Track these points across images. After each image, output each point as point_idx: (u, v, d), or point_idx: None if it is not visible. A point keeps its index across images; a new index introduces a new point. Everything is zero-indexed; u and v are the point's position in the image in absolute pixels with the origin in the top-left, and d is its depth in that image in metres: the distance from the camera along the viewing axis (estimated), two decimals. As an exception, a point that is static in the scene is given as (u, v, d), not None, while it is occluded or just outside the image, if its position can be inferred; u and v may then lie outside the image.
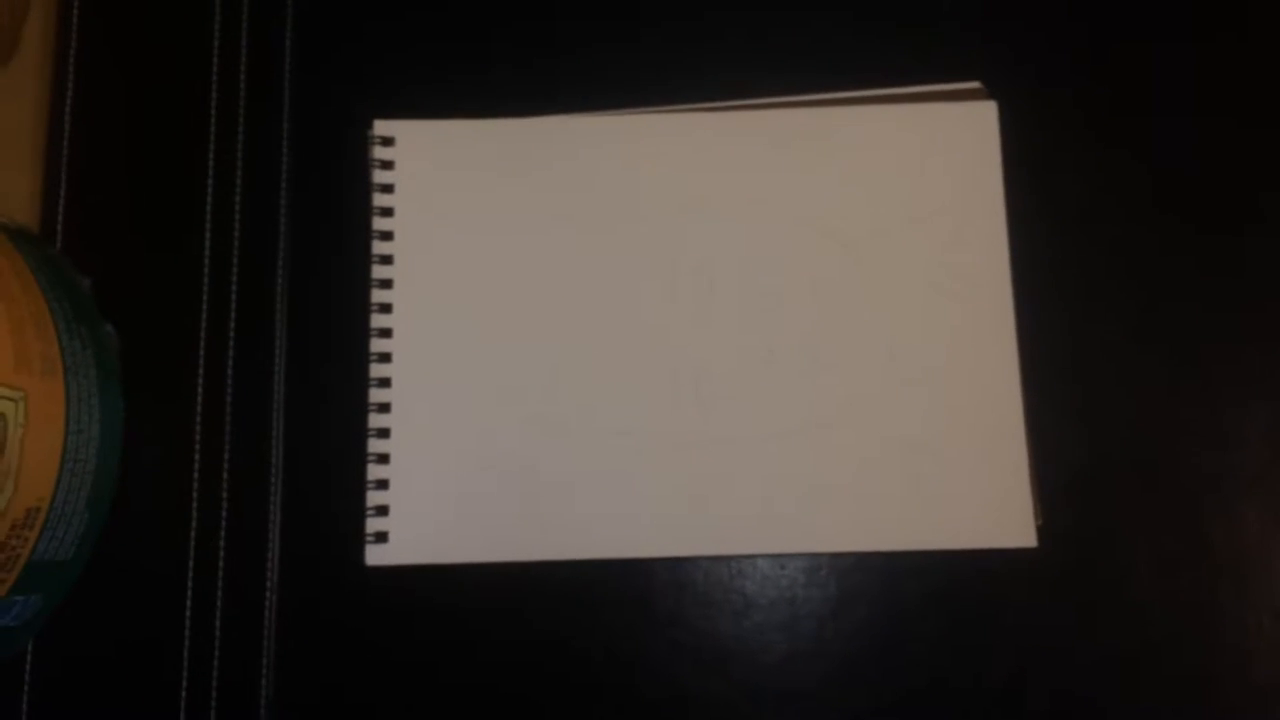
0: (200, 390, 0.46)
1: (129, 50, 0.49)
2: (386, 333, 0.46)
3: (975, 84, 0.48)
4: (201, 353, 0.46)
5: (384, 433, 0.45)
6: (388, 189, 0.47)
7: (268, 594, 0.45)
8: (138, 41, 0.49)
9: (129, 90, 0.48)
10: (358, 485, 0.45)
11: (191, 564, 0.45)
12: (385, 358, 0.46)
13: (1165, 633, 0.44)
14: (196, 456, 0.46)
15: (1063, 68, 0.48)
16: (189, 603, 0.45)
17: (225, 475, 0.46)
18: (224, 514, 0.45)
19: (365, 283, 0.47)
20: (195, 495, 0.45)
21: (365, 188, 0.47)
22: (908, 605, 0.45)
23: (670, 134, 0.47)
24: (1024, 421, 0.45)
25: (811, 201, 0.47)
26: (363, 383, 0.46)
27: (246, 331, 0.47)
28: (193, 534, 0.45)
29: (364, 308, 0.46)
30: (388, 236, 0.47)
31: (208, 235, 0.47)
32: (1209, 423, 0.46)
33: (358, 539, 0.45)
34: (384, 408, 0.46)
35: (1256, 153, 0.47)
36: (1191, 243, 0.47)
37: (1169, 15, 0.48)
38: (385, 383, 0.46)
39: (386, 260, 0.47)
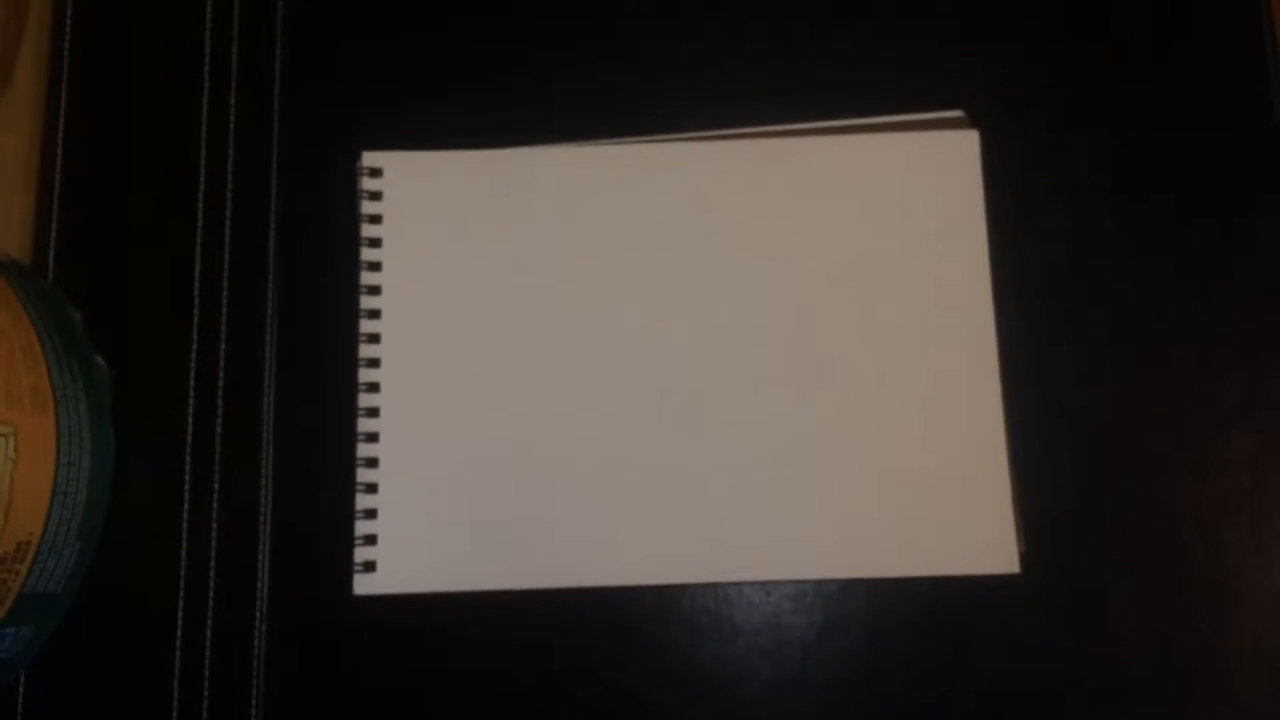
0: (190, 421, 0.46)
1: (120, 82, 0.49)
2: (375, 362, 0.47)
3: (957, 113, 0.48)
4: (191, 384, 0.47)
5: (372, 462, 0.46)
6: (376, 219, 0.48)
7: (257, 623, 0.45)
8: (129, 74, 0.49)
9: (120, 122, 0.49)
10: (346, 514, 0.46)
11: (182, 594, 0.45)
12: (374, 387, 0.46)
13: (1148, 659, 0.44)
14: (186, 487, 0.46)
15: (1044, 97, 0.49)
16: (179, 632, 0.45)
17: (215, 505, 0.46)
18: (214, 544, 0.46)
19: (354, 312, 0.47)
20: (185, 526, 0.46)
21: (354, 218, 0.48)
22: (892, 632, 0.45)
23: (656, 163, 0.48)
24: (1007, 448, 0.46)
25: (795, 230, 0.47)
26: (351, 412, 0.46)
27: (236, 362, 0.47)
28: (183, 564, 0.45)
29: (352, 337, 0.47)
30: (376, 267, 0.47)
31: (198, 268, 0.48)
32: (1192, 451, 0.46)
33: (346, 568, 0.45)
34: (372, 437, 0.46)
35: (1237, 180, 0.48)
36: (1173, 271, 0.47)
37: (1149, 46, 0.49)
38: (374, 412, 0.46)
39: (374, 290, 0.47)
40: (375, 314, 0.47)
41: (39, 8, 0.50)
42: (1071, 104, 0.49)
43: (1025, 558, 0.45)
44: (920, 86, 0.48)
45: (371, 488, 0.46)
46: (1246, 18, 0.49)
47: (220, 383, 0.47)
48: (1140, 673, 0.44)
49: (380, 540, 0.45)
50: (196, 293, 0.48)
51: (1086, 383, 0.46)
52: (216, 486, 0.46)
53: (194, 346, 0.47)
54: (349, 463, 0.46)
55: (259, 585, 0.45)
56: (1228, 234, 0.47)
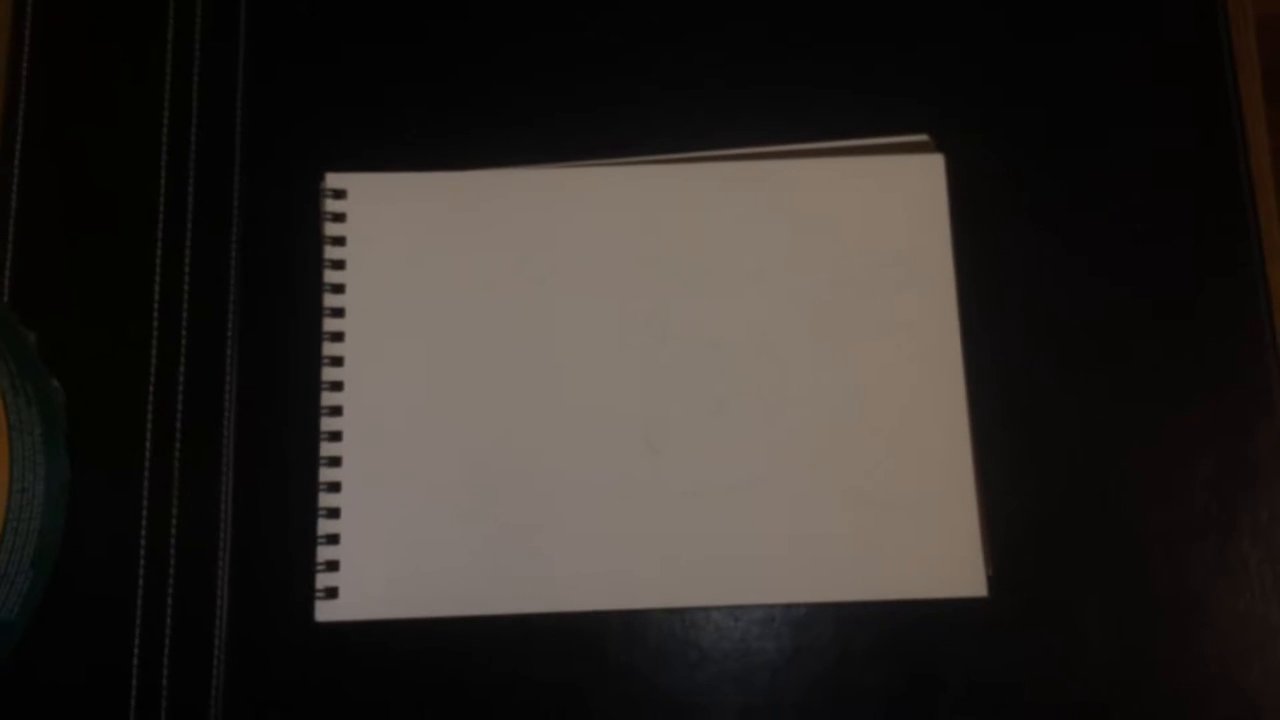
0: (148, 445, 0.46)
1: (78, 103, 0.49)
2: (338, 386, 0.46)
3: (923, 137, 0.48)
4: (150, 407, 0.46)
5: (334, 486, 0.45)
6: (339, 241, 0.47)
7: (216, 651, 0.44)
8: (87, 94, 0.49)
9: (78, 143, 0.48)
10: (308, 540, 0.45)
11: (138, 621, 0.44)
12: (336, 411, 0.46)
13: (1115, 682, 0.44)
14: (144, 513, 0.45)
15: (1008, 121, 0.49)
16: (135, 659, 0.44)
17: (173, 531, 0.45)
18: (172, 569, 0.45)
19: (317, 335, 0.46)
20: (143, 552, 0.45)
21: (317, 240, 0.47)
22: (861, 655, 0.45)
23: (621, 186, 0.48)
24: (974, 472, 0.46)
25: (761, 252, 0.47)
26: (313, 437, 0.46)
27: (195, 385, 0.46)
28: (140, 590, 0.45)
29: (315, 360, 0.46)
30: (339, 289, 0.47)
31: (157, 289, 0.47)
32: (1158, 474, 0.46)
33: (308, 595, 0.44)
34: (334, 461, 0.45)
35: (1204, 206, 0.48)
36: (1138, 295, 0.48)
37: (1116, 69, 0.49)
38: (336, 436, 0.46)
39: (338, 313, 0.47)
40: (338, 336, 0.46)
41: (-3, 26, 0.50)
42: (1036, 128, 0.49)
43: (993, 581, 0.45)
44: (886, 110, 0.49)
45: (334, 512, 0.45)
46: (1210, 47, 0.49)
47: (179, 406, 0.46)
48: (1107, 694, 0.44)
49: (342, 566, 0.45)
50: (156, 314, 0.47)
51: (1053, 406, 0.47)
52: (175, 512, 0.45)
53: (152, 369, 0.46)
54: (311, 487, 0.45)
55: (218, 612, 0.45)
56: (1195, 254, 0.48)
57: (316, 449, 0.45)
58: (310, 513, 0.45)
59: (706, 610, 0.45)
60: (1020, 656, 0.45)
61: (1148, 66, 0.49)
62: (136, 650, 0.44)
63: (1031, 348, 0.47)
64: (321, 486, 0.45)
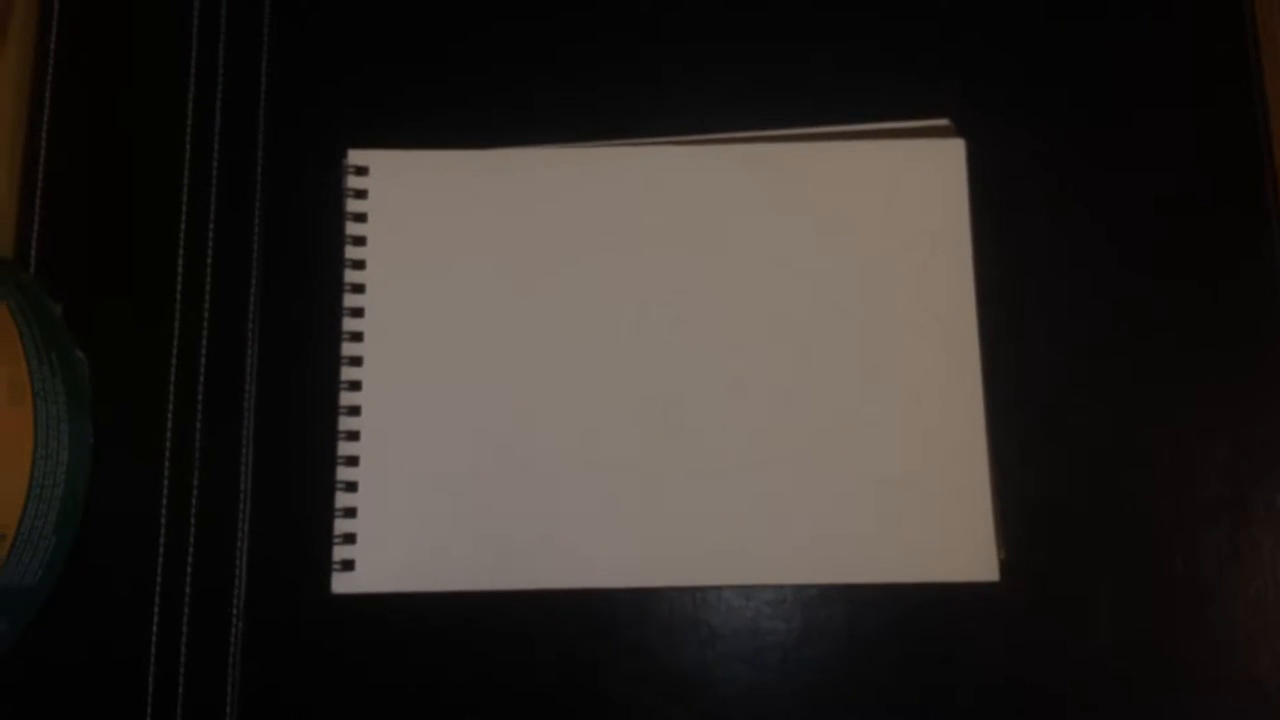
0: (170, 416, 0.46)
1: (105, 77, 0.49)
2: (357, 361, 0.46)
3: (944, 121, 0.48)
4: (172, 379, 0.47)
5: (353, 460, 0.46)
6: (360, 218, 0.47)
7: (234, 620, 0.45)
8: (114, 68, 0.49)
9: (105, 116, 0.49)
10: (326, 513, 0.45)
11: (158, 589, 0.45)
12: (355, 386, 0.46)
13: (1126, 667, 0.44)
14: (165, 482, 0.46)
15: (1029, 106, 0.49)
16: (155, 628, 0.45)
17: (193, 501, 0.46)
18: (191, 539, 0.45)
19: (337, 311, 0.47)
20: (163, 521, 0.45)
21: (339, 216, 0.48)
22: (871, 637, 0.45)
23: (641, 166, 0.48)
24: (988, 456, 0.46)
25: (780, 235, 0.47)
26: (332, 410, 0.46)
27: (217, 357, 0.47)
28: (160, 559, 0.45)
29: (335, 335, 0.47)
30: (360, 265, 0.47)
31: (181, 262, 0.47)
32: (1171, 459, 0.46)
33: (325, 566, 0.45)
34: (353, 435, 0.46)
35: (1226, 193, 0.48)
36: (1155, 280, 0.47)
37: (1139, 52, 0.49)
38: (355, 410, 0.46)
39: (359, 289, 0.47)
40: (359, 312, 0.47)
41: (25, 3, 0.50)
42: (1058, 113, 0.49)
43: (1005, 565, 0.45)
44: (907, 94, 0.49)
45: (351, 486, 0.45)
46: (1235, 32, 0.49)
47: (201, 379, 0.47)
48: (1119, 679, 0.44)
49: (359, 539, 0.45)
50: (179, 288, 0.47)
51: (1069, 391, 0.47)
52: (195, 482, 0.46)
53: (175, 341, 0.47)
54: (329, 461, 0.46)
55: (237, 582, 0.45)
56: (1214, 240, 0.48)
57: (335, 423, 0.46)
58: (328, 486, 0.46)
59: (719, 589, 0.46)
60: (1032, 641, 0.45)
61: (1171, 50, 0.49)
62: (156, 620, 0.45)
63: (1048, 333, 0.47)
64: (340, 460, 0.46)
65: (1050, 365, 0.47)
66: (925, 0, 0.50)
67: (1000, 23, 0.50)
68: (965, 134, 0.48)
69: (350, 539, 0.45)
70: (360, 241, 0.47)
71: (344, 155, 0.48)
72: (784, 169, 0.48)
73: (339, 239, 0.47)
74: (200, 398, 0.47)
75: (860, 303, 0.47)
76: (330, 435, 0.46)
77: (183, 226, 0.48)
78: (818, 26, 0.50)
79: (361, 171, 0.48)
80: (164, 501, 0.46)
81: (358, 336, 0.47)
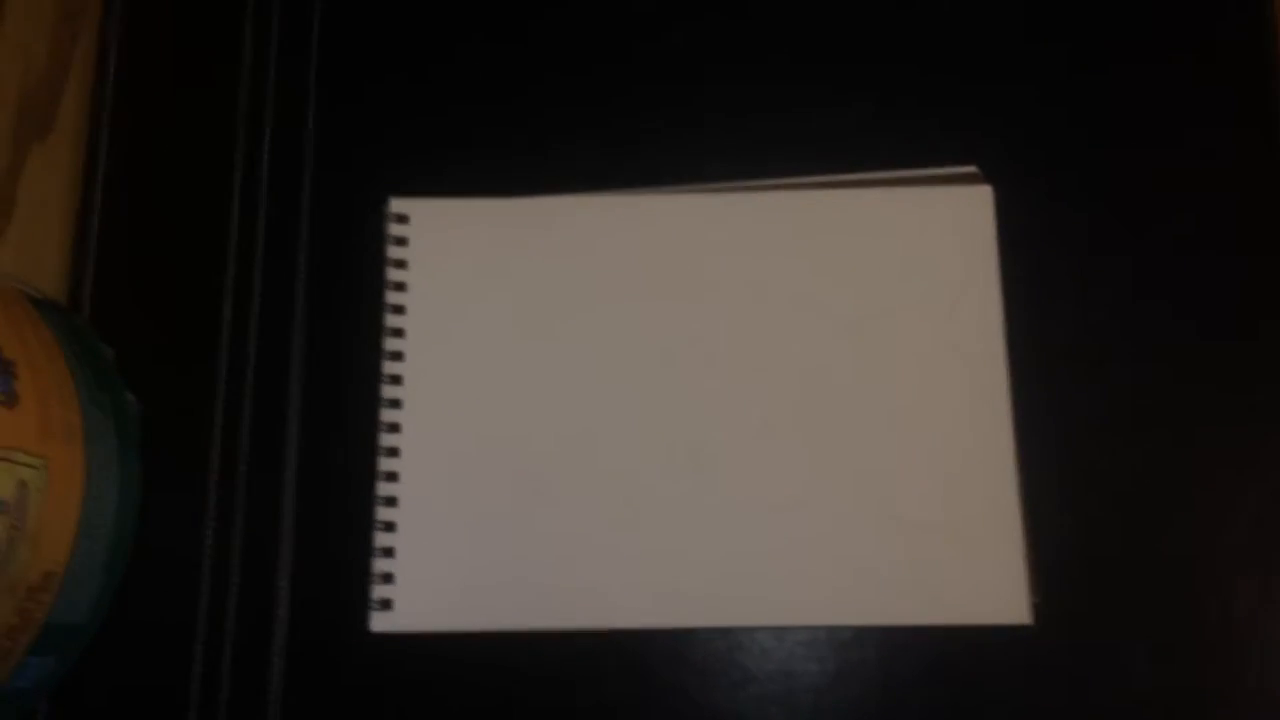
0: (215, 457, 0.47)
1: (158, 128, 0.51)
2: (396, 403, 0.47)
3: (971, 168, 0.49)
4: (218, 421, 0.48)
5: (391, 501, 0.47)
6: (401, 264, 0.49)
7: (274, 659, 0.46)
8: (167, 119, 0.51)
9: (157, 167, 0.50)
10: (365, 552, 0.46)
11: (201, 628, 0.46)
12: (394, 428, 0.47)
13: (1159, 711, 0.44)
14: (210, 522, 0.47)
15: (1057, 153, 0.49)
16: (197, 666, 0.46)
17: (237, 541, 0.47)
18: (234, 579, 0.46)
19: (377, 353, 0.48)
20: (207, 561, 0.46)
21: (380, 263, 0.49)
22: (904, 680, 0.45)
23: (674, 214, 0.49)
24: (1019, 499, 0.46)
25: (809, 282, 0.48)
26: (371, 451, 0.47)
27: (261, 401, 0.48)
28: (203, 598, 0.46)
29: (375, 378, 0.48)
30: (400, 310, 0.48)
31: (227, 310, 0.49)
32: (1204, 503, 0.46)
33: (363, 605, 0.46)
34: (392, 476, 0.47)
35: (1256, 238, 0.48)
36: (1185, 325, 0.48)
37: (1165, 100, 0.50)
38: (394, 452, 0.47)
39: (398, 333, 0.48)
40: (398, 356, 0.48)
41: (81, 56, 0.52)
42: (1086, 160, 0.49)
43: (1038, 609, 0.45)
44: (934, 141, 0.49)
45: (390, 526, 0.46)
46: (1267, 77, 0.49)
47: (245, 421, 0.48)
48: (1153, 726, 0.44)
49: (398, 579, 0.46)
50: (225, 334, 0.49)
51: (1099, 435, 0.47)
52: (238, 523, 0.47)
53: (221, 385, 0.48)
54: (369, 501, 0.47)
55: (277, 621, 0.46)
56: (1247, 287, 0.48)
57: (375, 465, 0.47)
58: (368, 526, 0.46)
59: (751, 630, 0.46)
60: (1065, 685, 0.45)
61: (1200, 95, 0.50)
62: (198, 655, 0.46)
63: (1079, 376, 0.47)
64: (379, 501, 0.47)
65: (1080, 409, 0.47)
66: (950, 49, 0.51)
67: (1027, 69, 0.50)
68: (993, 181, 0.49)
69: (389, 578, 0.46)
70: (401, 287, 0.49)
71: (386, 204, 0.49)
72: (814, 216, 0.49)
73: (380, 285, 0.49)
74: (244, 440, 0.48)
75: (889, 347, 0.48)
76: (370, 477, 0.47)
77: (229, 273, 0.49)
78: (844, 76, 0.50)
79: (402, 219, 0.49)
80: (208, 541, 0.47)
81: (397, 379, 0.48)
